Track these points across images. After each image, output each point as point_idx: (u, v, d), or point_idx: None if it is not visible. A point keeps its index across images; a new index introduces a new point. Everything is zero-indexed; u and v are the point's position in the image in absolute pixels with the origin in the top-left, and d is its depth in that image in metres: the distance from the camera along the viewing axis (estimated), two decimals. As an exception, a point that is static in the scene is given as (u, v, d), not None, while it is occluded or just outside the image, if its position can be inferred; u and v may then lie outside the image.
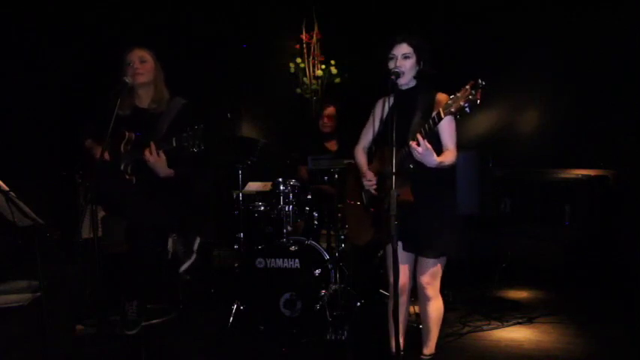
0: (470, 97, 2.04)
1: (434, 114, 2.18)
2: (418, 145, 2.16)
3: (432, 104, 2.39)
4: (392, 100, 2.26)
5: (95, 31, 4.98)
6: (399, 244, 2.34)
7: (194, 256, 2.94)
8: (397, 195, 2.01)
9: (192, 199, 2.97)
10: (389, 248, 2.49)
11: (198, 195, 2.99)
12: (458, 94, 2.10)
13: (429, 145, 2.17)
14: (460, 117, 2.12)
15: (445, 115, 2.13)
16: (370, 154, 2.70)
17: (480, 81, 2.03)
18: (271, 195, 3.67)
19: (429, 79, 2.46)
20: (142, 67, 2.90)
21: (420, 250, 2.42)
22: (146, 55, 2.94)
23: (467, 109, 2.07)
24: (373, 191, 2.52)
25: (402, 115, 2.22)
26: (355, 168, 2.73)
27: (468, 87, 2.07)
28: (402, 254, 2.36)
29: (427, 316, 2.46)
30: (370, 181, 2.52)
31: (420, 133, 2.20)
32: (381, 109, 2.56)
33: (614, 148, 4.71)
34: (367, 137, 2.69)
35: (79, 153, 3.04)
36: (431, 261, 2.40)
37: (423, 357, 2.51)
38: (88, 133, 2.99)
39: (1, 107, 4.35)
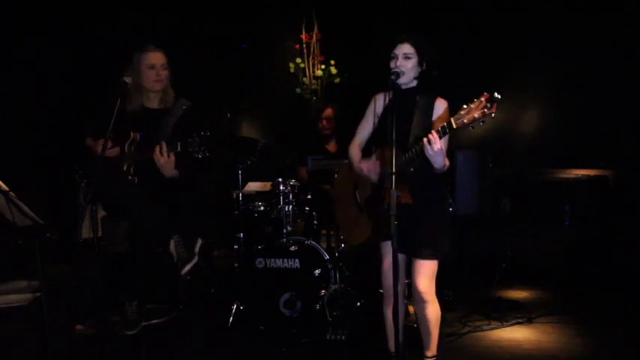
0: (485, 110, 2.04)
1: (445, 124, 2.15)
2: (430, 142, 2.14)
3: (430, 107, 2.37)
4: (391, 98, 2.24)
5: (95, 31, 4.97)
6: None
7: (196, 258, 2.94)
8: (397, 195, 2.01)
9: (194, 200, 2.98)
10: (386, 249, 2.50)
11: (200, 196, 3.00)
12: (471, 105, 2.07)
13: (442, 146, 2.16)
14: (473, 128, 2.11)
15: (457, 126, 2.12)
16: (368, 153, 2.65)
17: (496, 94, 2.02)
18: (271, 195, 3.66)
19: (432, 80, 2.44)
20: (164, 74, 2.91)
21: (416, 251, 2.40)
22: (166, 61, 2.93)
23: (481, 122, 2.07)
24: (376, 177, 2.44)
25: (400, 114, 2.19)
26: (346, 167, 2.69)
27: (483, 99, 2.04)
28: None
29: (426, 320, 2.44)
30: (373, 170, 2.43)
31: (438, 132, 2.16)
32: (379, 104, 2.52)
33: (614, 148, 4.71)
34: (363, 134, 2.62)
35: (79, 152, 3.03)
36: (427, 262, 2.38)
37: (425, 359, 2.50)
38: (89, 132, 2.99)
39: (1, 107, 4.35)
